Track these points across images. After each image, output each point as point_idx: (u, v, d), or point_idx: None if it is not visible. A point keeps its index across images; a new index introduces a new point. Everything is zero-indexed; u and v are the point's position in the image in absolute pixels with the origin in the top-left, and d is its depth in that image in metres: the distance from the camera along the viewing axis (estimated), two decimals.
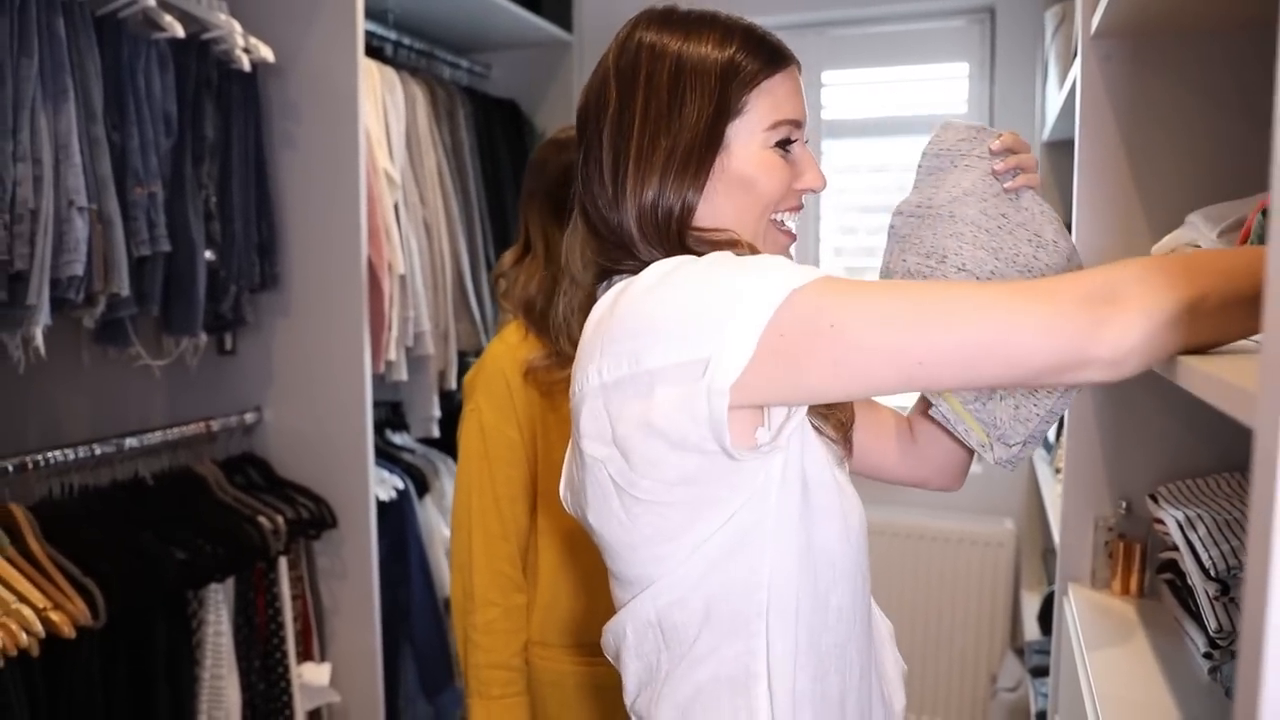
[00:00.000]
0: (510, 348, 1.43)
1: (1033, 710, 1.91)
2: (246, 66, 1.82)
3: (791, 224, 0.93)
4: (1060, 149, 2.31)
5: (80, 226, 1.47)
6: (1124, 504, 1.32)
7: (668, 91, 0.86)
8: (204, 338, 1.85)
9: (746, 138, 0.88)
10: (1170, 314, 0.68)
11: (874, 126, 2.91)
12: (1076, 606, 1.26)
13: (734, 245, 0.85)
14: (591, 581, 1.43)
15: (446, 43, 2.74)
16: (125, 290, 1.57)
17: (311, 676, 2.03)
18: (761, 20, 2.85)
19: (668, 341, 0.76)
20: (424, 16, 2.55)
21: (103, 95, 1.55)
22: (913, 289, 0.77)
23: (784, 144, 0.89)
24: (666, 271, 0.79)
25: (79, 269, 1.47)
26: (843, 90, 2.94)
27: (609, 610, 0.92)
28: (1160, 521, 1.14)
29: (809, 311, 0.73)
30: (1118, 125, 1.25)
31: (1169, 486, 1.21)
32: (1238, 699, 0.38)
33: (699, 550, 0.81)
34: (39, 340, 1.46)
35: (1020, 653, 2.49)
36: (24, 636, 1.36)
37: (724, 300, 0.75)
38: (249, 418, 2.07)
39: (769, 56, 0.89)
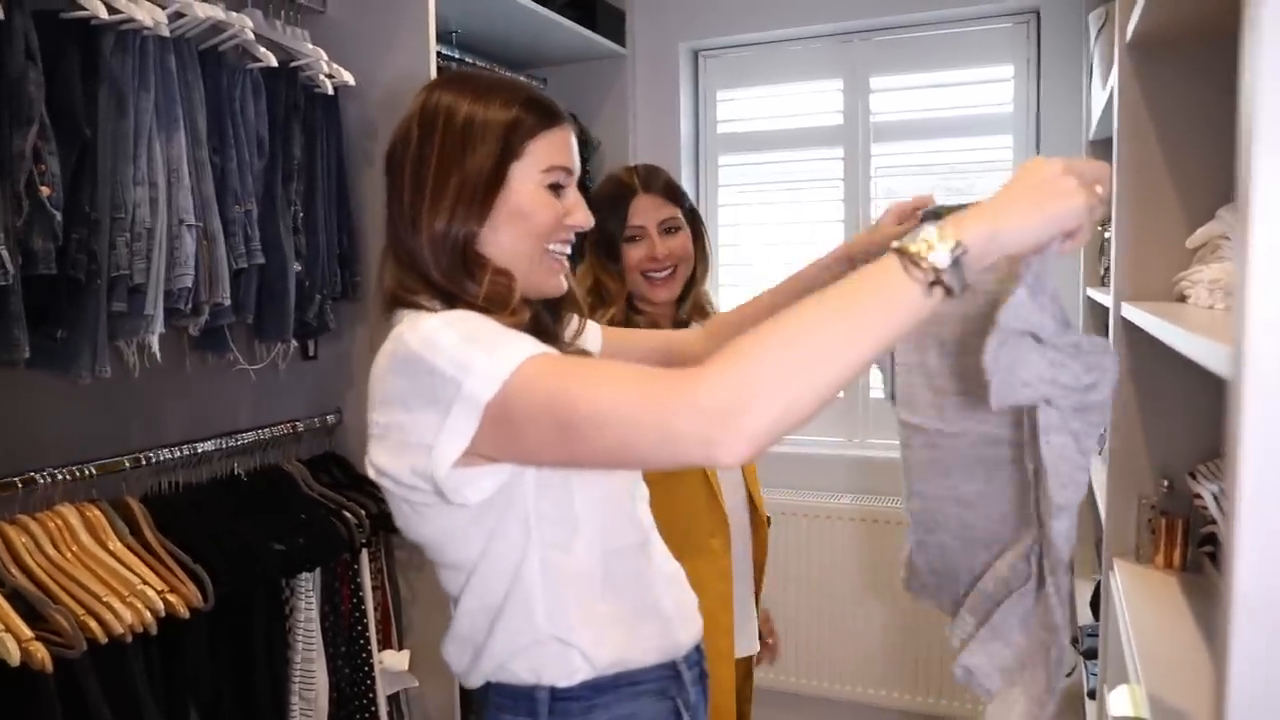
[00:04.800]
0: None
1: (1085, 690, 1.97)
2: (329, 90, 1.96)
3: (564, 250, 1.10)
4: (1105, 146, 2.36)
5: (189, 243, 1.61)
6: (1166, 482, 1.39)
7: (461, 137, 1.03)
8: (294, 344, 1.99)
9: (524, 177, 1.04)
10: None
11: (921, 129, 2.97)
12: (1121, 580, 1.33)
13: (504, 275, 1.04)
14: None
15: (506, 60, 2.87)
16: (227, 300, 1.71)
17: (392, 663, 2.14)
18: (811, 29, 2.99)
19: (407, 420, 0.94)
20: (485, 35, 2.68)
21: (206, 122, 1.69)
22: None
23: (555, 187, 1.07)
24: (421, 339, 0.93)
25: (189, 281, 1.61)
26: (890, 95, 3.01)
27: None
28: (1199, 496, 1.21)
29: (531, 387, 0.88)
30: (1154, 127, 1.33)
31: (1207, 464, 1.27)
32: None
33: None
34: (155, 347, 1.60)
35: (1074, 640, 2.53)
36: (148, 615, 1.50)
37: (449, 382, 0.89)
38: (330, 419, 2.20)
39: (546, 114, 1.07)
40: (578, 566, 1.03)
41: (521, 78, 2.86)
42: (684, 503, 1.64)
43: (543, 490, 1.00)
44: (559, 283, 1.10)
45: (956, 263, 0.76)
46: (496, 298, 1.02)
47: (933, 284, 0.77)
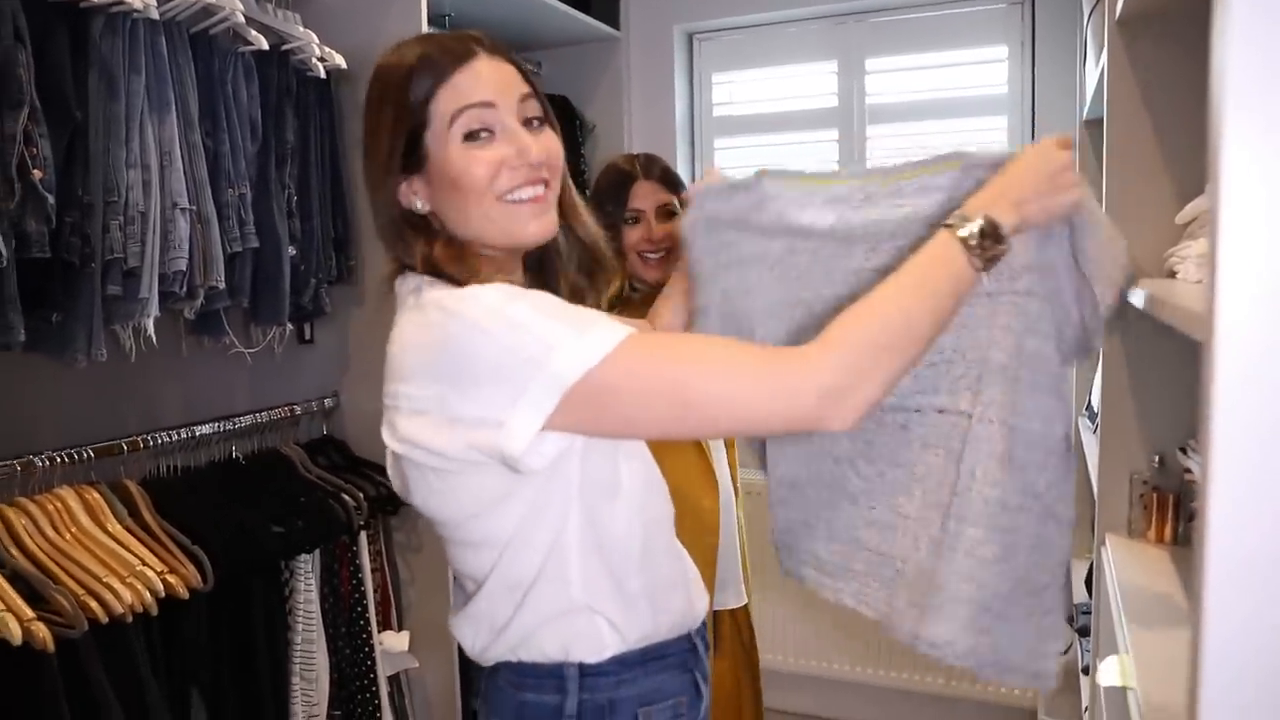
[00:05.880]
0: None
1: (1079, 667, 1.98)
2: (322, 73, 1.95)
3: (526, 194, 0.99)
4: (1099, 126, 2.35)
5: (183, 226, 1.61)
6: (1157, 458, 1.40)
7: (376, 114, 0.99)
8: (289, 327, 2.00)
9: (438, 143, 0.97)
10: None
11: (916, 110, 2.97)
12: (1113, 554, 1.34)
13: (475, 256, 0.99)
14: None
15: None
16: (221, 283, 1.71)
17: (392, 643, 2.16)
18: (803, 11, 2.98)
19: (455, 395, 0.89)
20: (479, 19, 2.67)
21: (198, 105, 1.69)
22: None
23: (473, 135, 0.96)
24: (483, 310, 0.89)
25: (182, 264, 1.62)
26: (884, 77, 3.00)
27: None
28: (1190, 471, 1.22)
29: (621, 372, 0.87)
30: (1144, 104, 1.33)
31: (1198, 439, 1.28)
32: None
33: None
34: (150, 330, 1.60)
35: (1069, 619, 2.55)
36: (148, 595, 1.51)
37: (528, 359, 0.86)
38: (328, 402, 2.21)
39: (442, 61, 0.96)
40: (617, 534, 1.01)
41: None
42: (679, 467, 1.72)
43: (589, 453, 0.97)
44: (539, 227, 1.00)
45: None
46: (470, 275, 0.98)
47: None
